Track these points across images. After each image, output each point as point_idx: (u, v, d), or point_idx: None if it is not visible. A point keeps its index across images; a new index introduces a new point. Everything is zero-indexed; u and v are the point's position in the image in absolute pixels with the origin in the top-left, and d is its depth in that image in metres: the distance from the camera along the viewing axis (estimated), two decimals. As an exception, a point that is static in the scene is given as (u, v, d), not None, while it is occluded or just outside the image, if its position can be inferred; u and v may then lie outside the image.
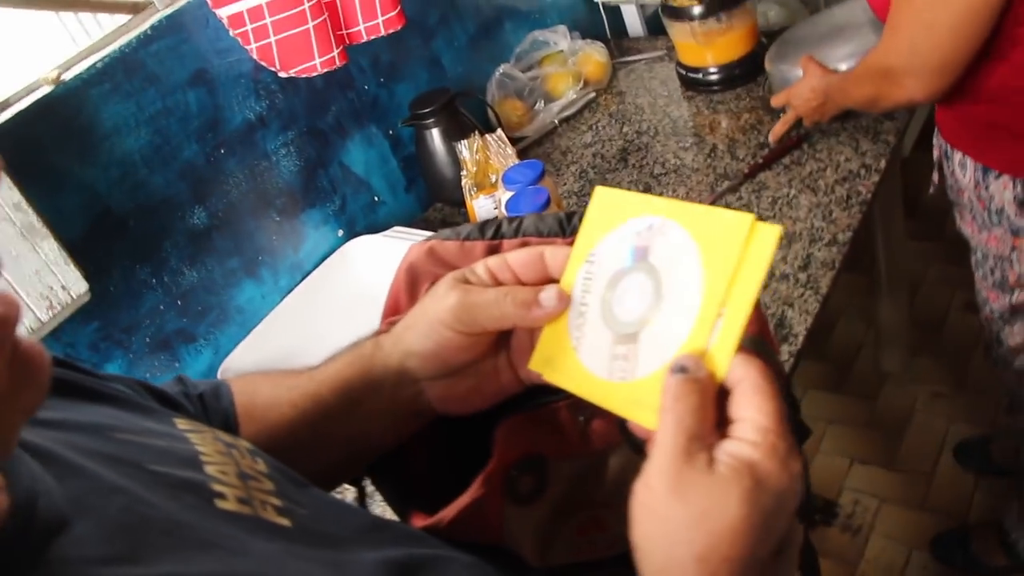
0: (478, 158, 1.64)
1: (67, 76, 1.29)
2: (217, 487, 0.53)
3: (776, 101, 1.57)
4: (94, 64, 1.31)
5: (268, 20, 1.33)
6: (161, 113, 1.38)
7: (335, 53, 1.38)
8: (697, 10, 1.75)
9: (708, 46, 1.79)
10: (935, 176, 1.49)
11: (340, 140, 1.66)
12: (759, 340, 0.59)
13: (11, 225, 1.09)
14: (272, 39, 1.35)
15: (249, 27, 1.34)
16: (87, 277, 1.21)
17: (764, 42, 1.83)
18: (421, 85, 1.79)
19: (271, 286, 1.58)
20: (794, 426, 0.75)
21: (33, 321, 1.13)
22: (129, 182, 1.35)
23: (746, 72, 1.80)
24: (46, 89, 1.27)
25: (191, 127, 1.42)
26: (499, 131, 1.68)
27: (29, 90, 1.28)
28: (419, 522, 0.67)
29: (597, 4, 2.20)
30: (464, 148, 1.64)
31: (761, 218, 0.53)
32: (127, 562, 0.42)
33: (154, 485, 0.50)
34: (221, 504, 0.52)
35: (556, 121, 1.92)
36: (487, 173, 1.64)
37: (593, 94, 1.97)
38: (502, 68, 1.91)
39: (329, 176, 1.65)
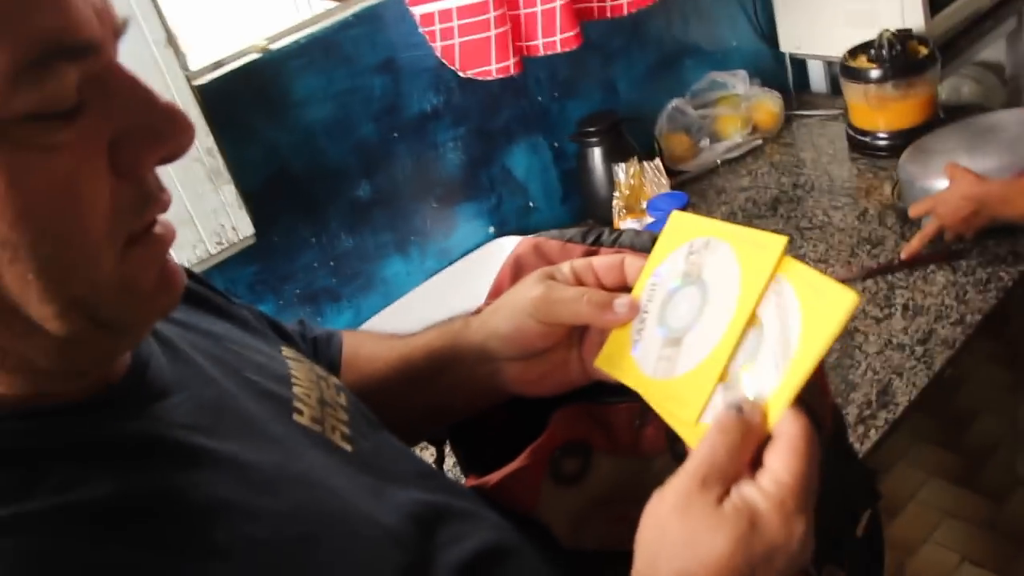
0: (632, 182, 1.71)
1: (274, 46, 1.45)
2: (297, 404, 0.64)
3: (916, 210, 1.48)
4: (298, 40, 1.46)
5: (455, 23, 1.46)
6: (347, 91, 1.52)
7: (511, 62, 1.48)
8: (875, 73, 1.76)
9: (880, 110, 1.80)
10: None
11: (506, 143, 1.77)
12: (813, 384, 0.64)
13: (201, 166, 1.25)
14: (456, 40, 1.47)
15: (437, 27, 1.47)
16: (256, 224, 1.36)
17: (942, 116, 1.81)
18: (593, 105, 1.88)
19: (417, 265, 1.70)
20: (862, 488, 0.79)
21: (203, 252, 1.28)
22: (308, 148, 1.49)
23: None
24: (254, 56, 1.44)
25: (372, 108, 1.56)
26: (657, 160, 1.75)
27: (240, 55, 1.44)
28: (471, 482, 0.76)
29: (784, 55, 2.23)
30: (621, 171, 1.72)
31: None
32: (204, 434, 0.53)
33: (245, 388, 0.61)
34: (296, 418, 0.62)
35: (719, 161, 1.97)
36: (639, 198, 1.71)
37: (760, 141, 2.01)
38: (675, 102, 1.97)
39: (490, 175, 1.76)
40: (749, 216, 1.75)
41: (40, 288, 0.43)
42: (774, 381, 0.56)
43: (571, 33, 1.52)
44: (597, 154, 1.78)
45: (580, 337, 0.74)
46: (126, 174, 0.46)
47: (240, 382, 0.61)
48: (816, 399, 0.69)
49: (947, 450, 2.42)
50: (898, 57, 1.76)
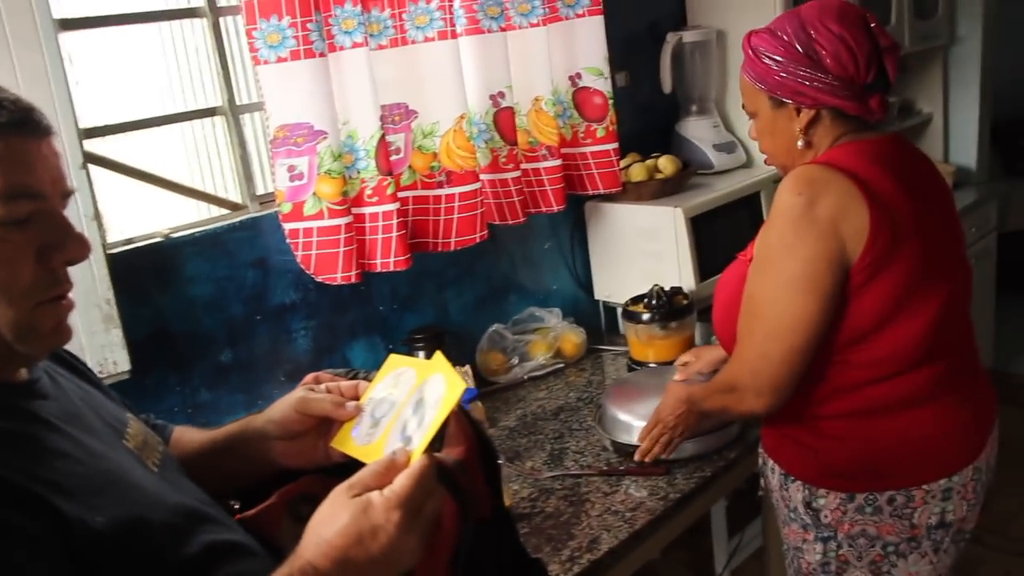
0: (444, 380, 2.16)
1: (175, 235, 1.91)
2: (127, 435, 1.05)
3: (644, 433, 1.84)
4: (194, 233, 1.93)
5: (314, 239, 1.95)
6: (225, 278, 1.98)
7: (353, 273, 1.97)
8: (645, 316, 2.31)
9: (649, 345, 2.33)
10: (761, 481, 1.91)
11: (349, 339, 2.23)
12: (459, 462, 1.06)
13: (99, 311, 1.67)
14: (313, 252, 1.96)
15: (300, 240, 1.96)
16: (132, 364, 1.76)
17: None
18: (426, 319, 2.37)
19: (261, 425, 2.09)
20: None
21: (86, 379, 1.67)
22: (187, 316, 1.93)
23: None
24: (159, 239, 1.89)
25: (243, 294, 2.01)
26: (468, 367, 2.21)
27: (148, 236, 1.90)
28: (238, 517, 1.15)
29: (598, 301, 2.79)
30: (437, 370, 2.17)
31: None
32: (63, 421, 0.95)
33: (94, 414, 1.03)
34: (124, 442, 1.03)
35: (525, 377, 2.44)
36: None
37: (562, 365, 2.50)
38: (496, 326, 2.47)
39: (332, 362, 2.19)
40: (535, 419, 2.21)
41: None
42: (419, 438, 0.99)
43: (403, 258, 2.02)
44: (421, 357, 2.23)
45: (327, 430, 1.16)
46: (44, 264, 0.90)
47: (91, 411, 1.03)
48: (471, 489, 1.10)
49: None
50: (664, 306, 2.31)
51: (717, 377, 1.75)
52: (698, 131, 2.93)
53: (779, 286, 1.53)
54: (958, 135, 4.03)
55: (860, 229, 1.48)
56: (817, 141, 1.62)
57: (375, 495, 0.91)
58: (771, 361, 1.55)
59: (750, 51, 1.63)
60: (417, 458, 0.95)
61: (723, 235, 2.54)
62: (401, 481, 0.92)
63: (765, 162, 1.78)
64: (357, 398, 1.14)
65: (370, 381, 1.20)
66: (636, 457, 1.87)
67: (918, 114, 3.94)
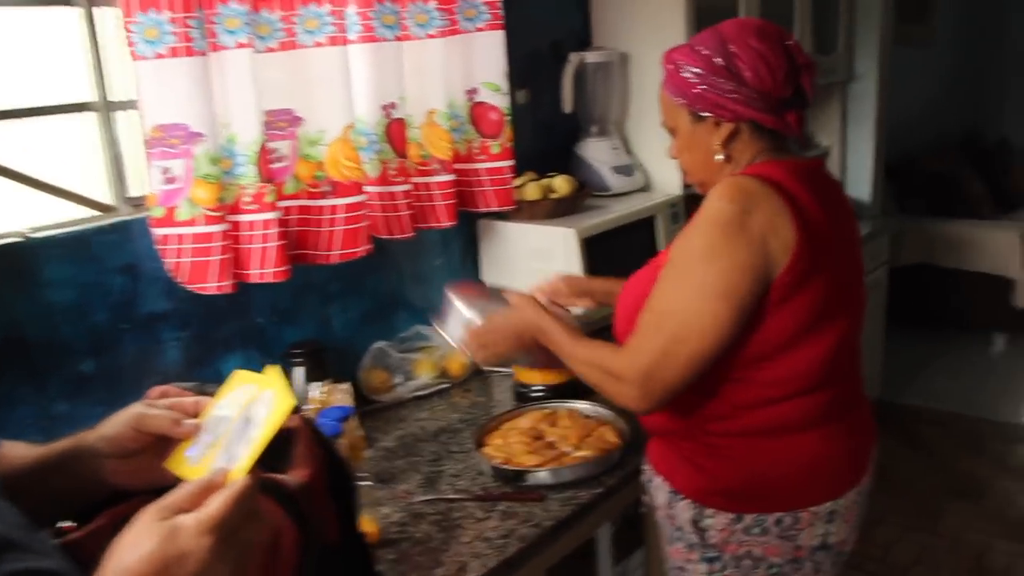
0: (323, 398, 2.09)
1: (35, 235, 1.80)
2: None
3: (473, 335, 1.80)
4: (57, 234, 1.82)
5: (188, 245, 1.85)
6: (91, 284, 1.87)
7: (227, 283, 1.88)
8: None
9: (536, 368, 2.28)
10: (644, 497, 1.88)
11: (223, 352, 2.13)
12: (304, 485, 0.99)
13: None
14: (186, 260, 1.86)
15: (172, 246, 1.86)
16: (-20, 372, 1.64)
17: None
18: (308, 334, 2.28)
19: (124, 439, 1.98)
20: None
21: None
22: (45, 321, 1.81)
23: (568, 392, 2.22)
24: (16, 239, 1.78)
25: (108, 301, 1.90)
26: (349, 384, 2.14)
27: (5, 235, 1.78)
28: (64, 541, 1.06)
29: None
30: (316, 388, 2.10)
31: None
32: None
33: None
34: None
35: (409, 396, 2.38)
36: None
37: (448, 385, 2.44)
38: (380, 343, 2.40)
39: (203, 375, 2.10)
40: (414, 440, 2.14)
41: None
42: (241, 457, 0.92)
43: (281, 268, 1.94)
44: (299, 373, 2.15)
45: (164, 449, 1.08)
46: None
47: None
48: (316, 514, 1.04)
49: None
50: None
51: (601, 352, 1.63)
52: (597, 152, 2.92)
53: (697, 289, 1.49)
54: (854, 169, 4.14)
55: (786, 247, 1.48)
56: (736, 156, 1.63)
57: (186, 518, 0.82)
58: (674, 362, 1.50)
59: (670, 65, 1.63)
60: (237, 478, 0.88)
61: (617, 258, 2.52)
62: (215, 503, 0.84)
63: (685, 179, 1.78)
64: (198, 415, 1.07)
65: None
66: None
67: (817, 147, 4.03)
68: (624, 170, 2.91)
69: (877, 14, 3.90)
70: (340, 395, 2.11)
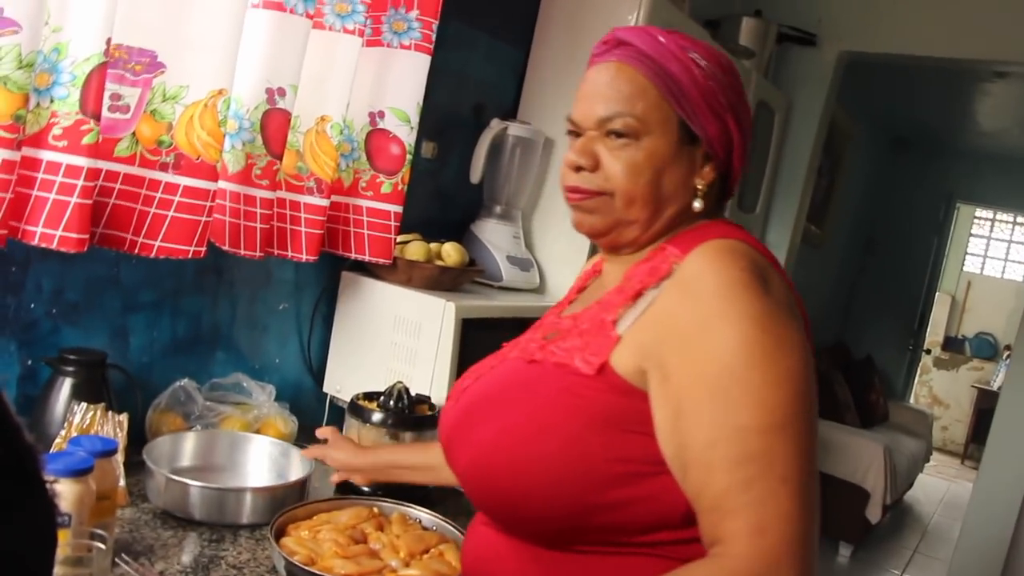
0: (84, 425, 1.55)
1: None
2: None
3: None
4: None
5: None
6: None
7: (-4, 232, 1.36)
8: (376, 416, 1.80)
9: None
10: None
11: (-30, 333, 1.58)
12: None
13: None
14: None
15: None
16: None
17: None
18: (93, 342, 1.75)
19: None
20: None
21: None
22: None
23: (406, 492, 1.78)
24: None
25: None
26: (124, 416, 1.61)
27: None
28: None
29: (326, 395, 2.25)
30: (80, 411, 1.56)
31: None
32: None
33: None
34: None
35: (203, 456, 1.85)
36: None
37: (256, 454, 1.93)
38: (186, 381, 1.88)
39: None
40: (195, 509, 1.62)
41: None
42: None
43: (76, 236, 1.44)
44: (66, 386, 1.61)
45: None
46: None
47: None
48: None
49: None
50: (403, 410, 1.83)
51: (691, 571, 1.00)
52: (496, 237, 2.53)
53: (784, 401, 0.98)
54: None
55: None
56: (693, 214, 1.20)
57: None
58: (806, 523, 0.96)
59: (673, 46, 1.14)
60: None
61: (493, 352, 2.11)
62: None
63: (585, 217, 1.20)
64: None
65: None
66: None
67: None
68: (521, 263, 2.53)
69: (798, 189, 3.77)
70: (110, 427, 1.59)
